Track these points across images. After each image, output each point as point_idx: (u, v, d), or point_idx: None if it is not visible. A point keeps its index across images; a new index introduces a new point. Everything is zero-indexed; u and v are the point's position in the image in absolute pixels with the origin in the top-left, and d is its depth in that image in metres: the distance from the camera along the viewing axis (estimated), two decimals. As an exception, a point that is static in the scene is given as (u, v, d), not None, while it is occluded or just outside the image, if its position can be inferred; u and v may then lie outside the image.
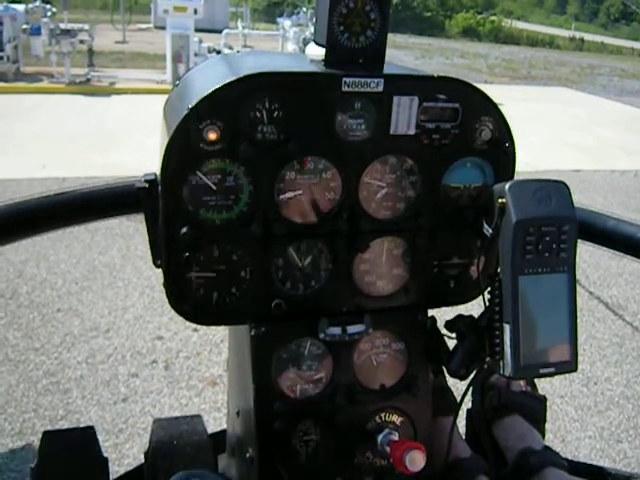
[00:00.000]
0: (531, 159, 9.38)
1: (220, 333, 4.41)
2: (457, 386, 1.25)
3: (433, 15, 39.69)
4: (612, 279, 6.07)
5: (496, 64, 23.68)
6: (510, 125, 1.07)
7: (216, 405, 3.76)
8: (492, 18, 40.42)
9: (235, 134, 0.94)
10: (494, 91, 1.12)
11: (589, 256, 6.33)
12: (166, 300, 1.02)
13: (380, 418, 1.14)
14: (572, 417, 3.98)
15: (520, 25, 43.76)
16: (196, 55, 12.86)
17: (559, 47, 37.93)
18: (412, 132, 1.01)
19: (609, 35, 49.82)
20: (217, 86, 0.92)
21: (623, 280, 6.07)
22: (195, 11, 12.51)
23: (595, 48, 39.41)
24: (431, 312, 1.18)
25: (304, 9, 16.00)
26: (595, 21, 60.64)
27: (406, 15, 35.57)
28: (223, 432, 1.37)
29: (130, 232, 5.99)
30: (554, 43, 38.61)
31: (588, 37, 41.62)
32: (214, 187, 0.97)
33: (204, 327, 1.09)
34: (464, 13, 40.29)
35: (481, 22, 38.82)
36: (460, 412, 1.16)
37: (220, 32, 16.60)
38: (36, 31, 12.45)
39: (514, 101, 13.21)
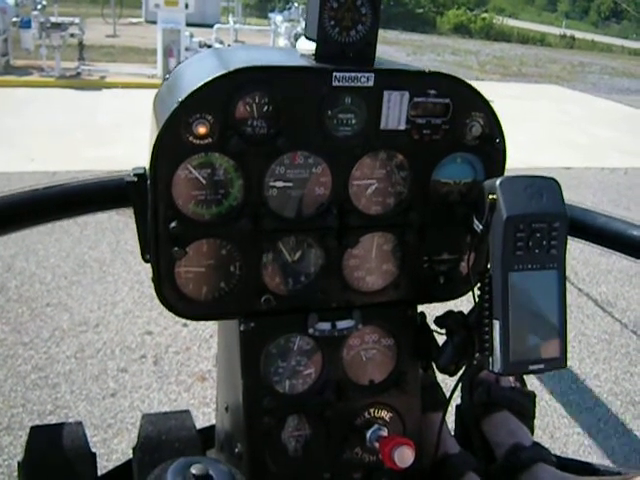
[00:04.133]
0: (521, 156, 9.39)
1: (210, 328, 4.40)
2: (446, 382, 1.25)
3: (425, 12, 39.68)
4: (601, 276, 6.09)
5: (487, 61, 23.70)
6: (500, 121, 1.07)
7: (205, 400, 3.75)
8: (483, 15, 40.42)
9: (225, 128, 0.94)
10: (485, 88, 1.11)
11: (579, 253, 6.35)
12: (155, 295, 1.02)
13: (369, 414, 1.14)
14: (561, 413, 4.00)
15: (511, 22, 43.78)
16: (187, 50, 12.80)
17: (550, 45, 37.97)
18: (402, 127, 1.01)
19: (600, 33, 49.90)
20: (207, 80, 0.91)
21: (612, 277, 6.09)
22: (186, 5, 12.44)
23: (586, 46, 39.48)
24: (421, 308, 1.18)
25: (296, 4, 15.94)
26: (586, 19, 60.74)
27: (398, 11, 35.54)
28: (212, 427, 1.36)
29: (120, 226, 5.96)
30: (545, 41, 38.65)
31: (579, 35, 41.68)
32: (204, 181, 0.96)
33: (193, 322, 1.10)
34: (455, 10, 40.28)
35: (472, 19, 38.81)
36: (449, 408, 1.16)
37: (211, 27, 16.53)
38: (26, 24, 12.35)
39: (505, 98, 13.23)
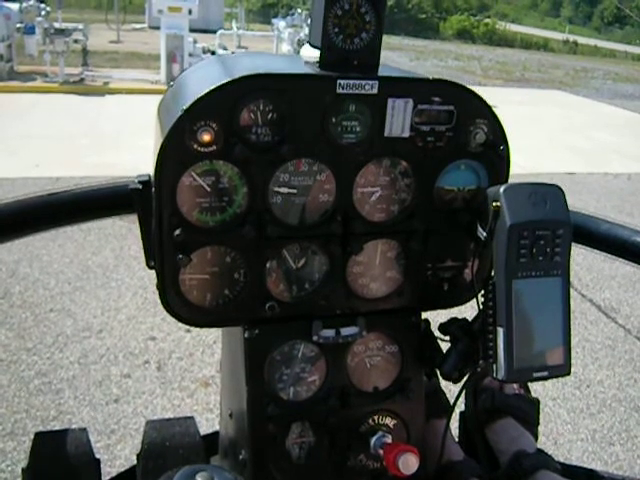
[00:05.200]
0: (525, 161, 9.40)
1: (213, 334, 4.40)
2: (450, 388, 1.25)
3: (428, 17, 39.76)
4: (605, 282, 6.08)
5: (490, 66, 23.72)
6: (504, 128, 1.07)
7: (209, 406, 3.75)
8: (486, 20, 40.49)
9: (229, 135, 0.94)
10: (488, 93, 1.12)
11: (582, 259, 6.34)
12: (159, 301, 1.02)
13: (373, 421, 1.14)
14: (564, 420, 3.99)
15: (514, 28, 43.85)
16: (190, 55, 12.86)
17: (553, 50, 38.02)
18: (406, 134, 1.01)
19: (603, 38, 49.96)
20: (211, 87, 0.91)
21: (616, 283, 6.09)
22: (190, 11, 12.51)
23: (589, 51, 39.54)
24: (425, 315, 1.18)
25: (299, 10, 16.00)
26: (589, 24, 60.77)
27: (401, 17, 35.61)
28: (216, 434, 1.36)
29: (123, 232, 5.97)
30: (548, 46, 38.69)
31: (582, 40, 41.75)
32: (208, 189, 0.96)
33: (197, 328, 1.10)
34: (458, 15, 40.35)
35: (475, 24, 38.88)
36: (453, 415, 1.15)
37: (214, 32, 16.62)
38: (30, 30, 12.41)
39: (508, 104, 13.24)
